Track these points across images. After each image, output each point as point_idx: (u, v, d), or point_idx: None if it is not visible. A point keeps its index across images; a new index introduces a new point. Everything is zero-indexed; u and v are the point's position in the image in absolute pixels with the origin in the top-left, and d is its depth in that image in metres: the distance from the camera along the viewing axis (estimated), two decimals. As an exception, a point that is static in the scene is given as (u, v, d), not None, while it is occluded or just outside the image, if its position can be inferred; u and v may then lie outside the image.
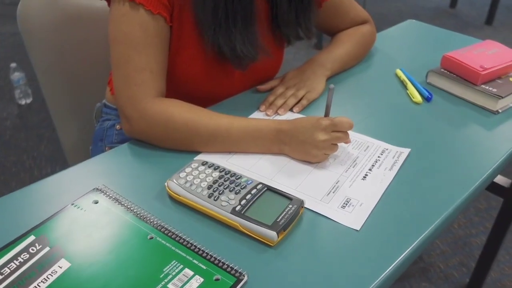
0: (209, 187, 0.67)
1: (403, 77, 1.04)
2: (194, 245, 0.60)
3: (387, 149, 0.81)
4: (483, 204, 1.94)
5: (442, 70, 1.02)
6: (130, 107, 0.78)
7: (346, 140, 0.78)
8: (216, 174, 0.70)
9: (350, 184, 0.72)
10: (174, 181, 0.69)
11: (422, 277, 1.61)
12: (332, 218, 0.66)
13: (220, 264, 0.58)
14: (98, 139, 1.04)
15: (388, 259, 0.60)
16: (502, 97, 0.92)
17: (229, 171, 0.71)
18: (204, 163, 0.72)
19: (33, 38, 1.01)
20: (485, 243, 1.49)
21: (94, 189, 0.70)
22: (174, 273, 0.57)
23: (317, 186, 0.72)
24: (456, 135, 0.87)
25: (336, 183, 0.72)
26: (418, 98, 0.96)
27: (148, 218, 0.65)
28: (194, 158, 0.77)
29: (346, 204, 0.68)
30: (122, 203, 0.67)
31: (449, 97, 0.99)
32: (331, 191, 0.71)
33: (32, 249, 0.59)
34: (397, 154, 0.79)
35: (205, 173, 0.70)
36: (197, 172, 0.70)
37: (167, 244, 0.61)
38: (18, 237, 0.61)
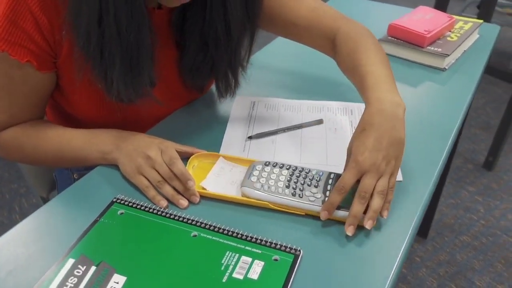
0: (287, 186, 0.67)
1: (356, 48, 1.12)
2: (241, 234, 0.62)
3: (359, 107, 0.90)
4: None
5: (389, 37, 1.11)
6: None
7: (164, 188, 0.68)
8: (285, 172, 0.69)
9: None
10: (248, 187, 0.67)
11: (378, 232, 1.75)
12: None
13: (273, 245, 0.60)
14: None
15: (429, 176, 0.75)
16: (448, 55, 1.03)
17: (296, 167, 0.70)
18: (267, 164, 0.70)
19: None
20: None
21: (113, 201, 0.67)
22: (233, 263, 0.58)
23: None
24: (417, 92, 0.97)
25: None
26: (376, 66, 1.04)
27: (182, 218, 0.64)
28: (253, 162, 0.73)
29: None
30: (149, 209, 0.66)
31: (400, 61, 1.09)
32: None
33: (78, 272, 0.57)
34: None
35: (274, 173, 0.69)
36: (266, 173, 0.69)
37: (214, 238, 0.61)
38: (55, 264, 0.58)
